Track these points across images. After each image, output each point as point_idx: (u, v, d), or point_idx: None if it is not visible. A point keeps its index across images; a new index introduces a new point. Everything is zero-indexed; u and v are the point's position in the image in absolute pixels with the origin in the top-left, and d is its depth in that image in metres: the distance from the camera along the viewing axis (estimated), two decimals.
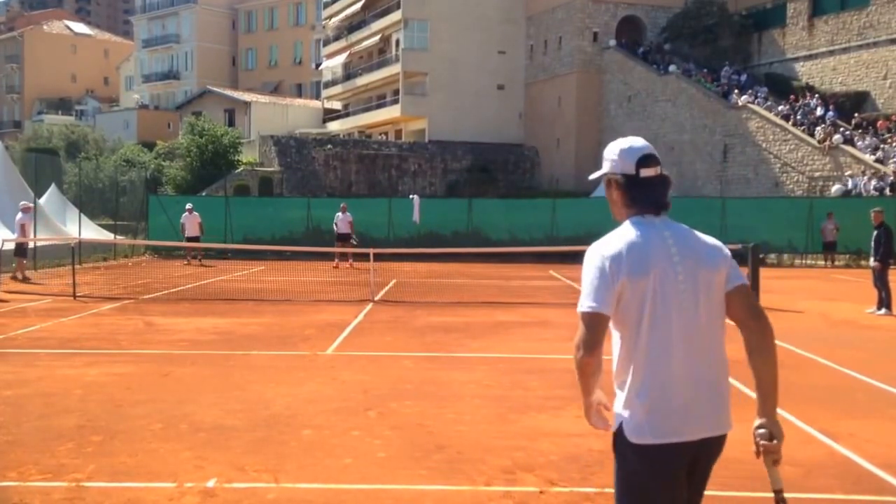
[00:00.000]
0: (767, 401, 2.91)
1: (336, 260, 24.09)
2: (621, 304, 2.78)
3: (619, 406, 2.83)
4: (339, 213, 24.62)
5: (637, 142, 2.93)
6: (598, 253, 2.81)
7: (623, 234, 2.84)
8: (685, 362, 2.78)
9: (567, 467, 5.59)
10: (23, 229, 19.01)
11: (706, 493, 5.15)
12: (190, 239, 25.39)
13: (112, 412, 6.99)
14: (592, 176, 3.11)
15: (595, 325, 2.75)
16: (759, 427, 2.87)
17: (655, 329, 2.77)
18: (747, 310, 2.88)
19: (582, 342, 2.75)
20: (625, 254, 2.77)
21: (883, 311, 14.33)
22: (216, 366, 9.20)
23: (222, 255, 28.00)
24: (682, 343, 2.78)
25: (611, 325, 2.83)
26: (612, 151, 2.95)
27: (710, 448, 2.86)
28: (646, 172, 2.86)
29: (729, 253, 2.93)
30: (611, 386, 2.90)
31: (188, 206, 26.50)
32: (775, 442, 2.87)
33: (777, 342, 2.96)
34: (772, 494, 2.98)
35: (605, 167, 2.96)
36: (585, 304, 2.77)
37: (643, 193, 2.87)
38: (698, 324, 2.81)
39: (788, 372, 9.17)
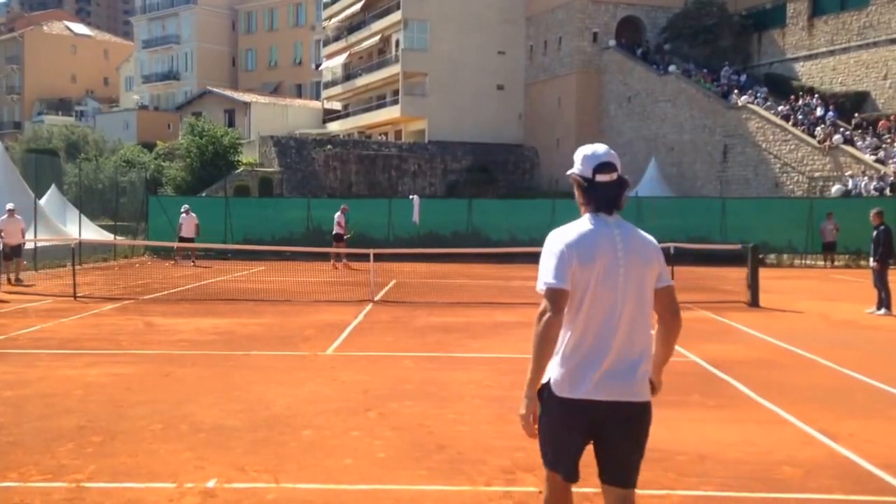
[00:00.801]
0: (659, 368, 3.51)
1: (332, 260, 24.15)
2: (571, 284, 3.32)
3: (552, 365, 3.38)
4: (338, 213, 24.78)
5: (599, 149, 3.44)
6: (557, 240, 3.36)
7: (578, 227, 3.38)
8: (611, 339, 3.32)
9: None
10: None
11: (707, 493, 5.17)
12: (183, 239, 25.32)
13: (112, 413, 6.99)
14: (568, 172, 3.52)
15: (557, 298, 3.29)
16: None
17: (592, 309, 3.31)
18: (668, 307, 3.46)
19: (547, 308, 3.28)
20: (578, 243, 3.32)
21: (882, 311, 14.33)
22: (216, 366, 9.20)
23: (222, 255, 28.00)
24: (612, 323, 3.32)
25: None
26: (578, 156, 3.46)
27: (621, 411, 3.32)
28: (601, 178, 3.37)
29: (662, 255, 3.46)
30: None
31: (185, 207, 26.47)
32: (653, 394, 3.50)
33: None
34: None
35: (574, 168, 3.46)
36: (549, 281, 3.31)
37: (598, 195, 3.38)
38: (629, 310, 3.33)
39: (788, 372, 9.17)
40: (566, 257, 3.29)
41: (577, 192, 3.46)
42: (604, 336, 3.31)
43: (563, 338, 3.36)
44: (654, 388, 3.49)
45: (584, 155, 3.42)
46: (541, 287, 3.33)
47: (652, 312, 3.45)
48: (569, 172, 3.47)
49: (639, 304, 3.35)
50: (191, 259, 26.01)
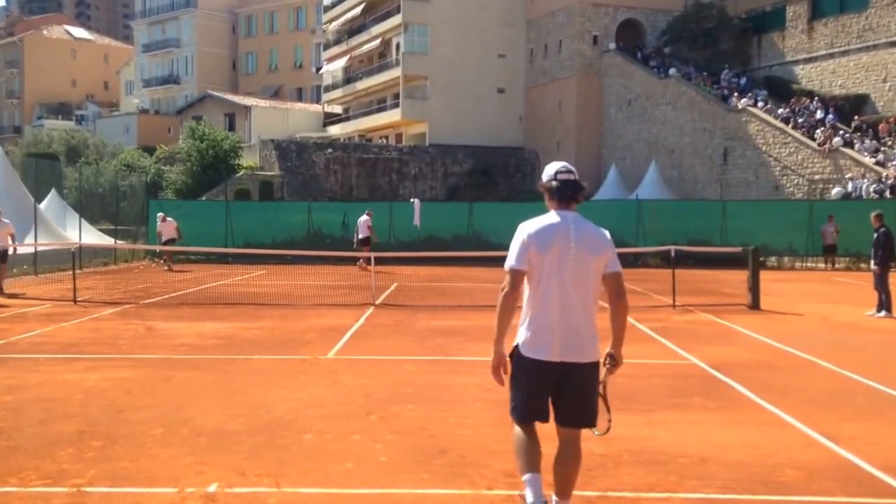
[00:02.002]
0: (617, 343, 4.37)
1: (362, 263, 23.87)
2: (530, 267, 4.23)
3: (521, 330, 4.35)
4: (364, 217, 25.13)
5: (560, 164, 4.43)
6: (522, 230, 4.29)
7: (541, 220, 4.29)
8: (563, 312, 4.22)
9: None
10: None
11: (709, 496, 5.18)
12: (167, 243, 25.23)
13: (113, 417, 6.98)
14: (538, 185, 4.44)
15: (515, 277, 4.26)
16: (609, 356, 4.37)
17: (547, 288, 4.22)
18: (615, 290, 4.31)
19: (507, 284, 4.26)
20: (537, 233, 4.24)
21: (883, 313, 14.32)
22: (217, 370, 9.19)
23: (223, 259, 28.00)
24: (563, 300, 4.22)
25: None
26: (545, 171, 4.43)
27: (573, 370, 4.23)
28: (562, 176, 4.34)
29: (612, 246, 4.31)
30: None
31: (160, 214, 26.38)
32: (616, 367, 4.39)
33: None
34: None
35: (543, 180, 4.41)
36: (511, 263, 4.25)
37: (559, 193, 4.32)
38: (578, 289, 4.22)
39: (789, 375, 9.16)
40: (525, 245, 4.22)
41: (546, 196, 4.37)
42: (558, 308, 4.21)
43: (527, 308, 4.30)
44: (616, 362, 4.35)
45: (548, 169, 4.42)
46: (506, 267, 4.26)
47: (599, 292, 4.29)
48: (539, 184, 4.40)
49: (585, 285, 4.23)
50: (167, 264, 25.72)
